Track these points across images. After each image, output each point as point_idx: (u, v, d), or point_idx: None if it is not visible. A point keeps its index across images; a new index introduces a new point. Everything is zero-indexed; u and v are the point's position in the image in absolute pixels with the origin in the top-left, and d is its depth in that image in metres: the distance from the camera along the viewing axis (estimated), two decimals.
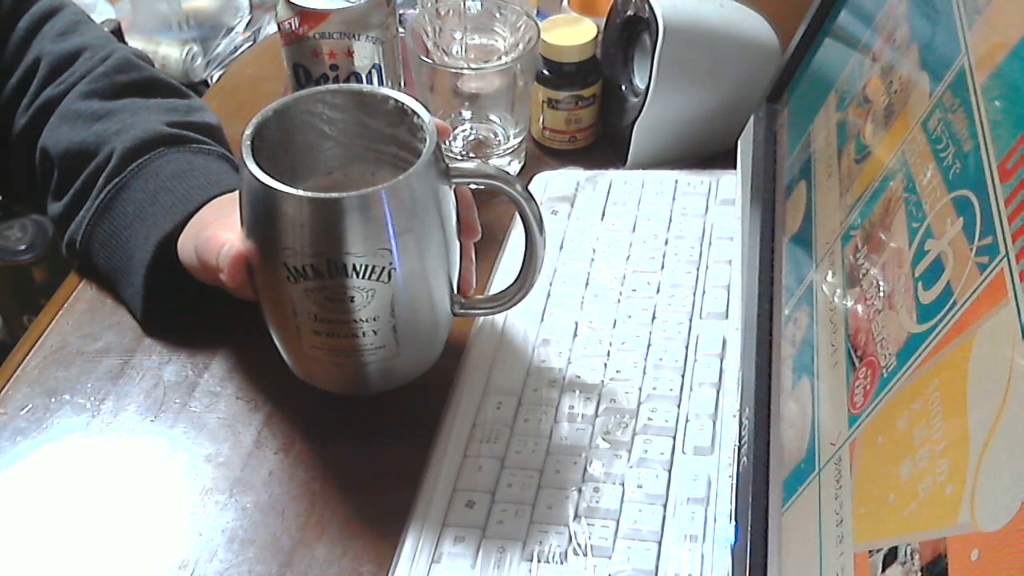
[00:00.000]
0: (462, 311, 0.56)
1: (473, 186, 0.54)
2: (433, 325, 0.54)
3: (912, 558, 0.30)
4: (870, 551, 0.33)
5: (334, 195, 0.47)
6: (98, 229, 0.62)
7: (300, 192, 0.47)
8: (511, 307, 0.57)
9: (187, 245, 0.57)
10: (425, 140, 0.50)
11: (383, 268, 0.49)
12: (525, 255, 0.54)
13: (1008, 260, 0.31)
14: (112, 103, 0.65)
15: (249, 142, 0.49)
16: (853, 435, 0.37)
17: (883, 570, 0.32)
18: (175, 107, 0.66)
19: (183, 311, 0.61)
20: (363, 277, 0.49)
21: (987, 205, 0.33)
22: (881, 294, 0.39)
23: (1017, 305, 0.29)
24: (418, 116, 0.51)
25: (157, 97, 0.66)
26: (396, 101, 0.52)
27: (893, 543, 0.32)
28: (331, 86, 0.55)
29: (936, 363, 0.33)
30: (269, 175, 0.48)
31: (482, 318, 0.61)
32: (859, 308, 0.41)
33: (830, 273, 0.45)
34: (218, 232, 0.53)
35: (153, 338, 0.62)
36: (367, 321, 0.51)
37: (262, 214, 0.49)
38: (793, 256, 0.53)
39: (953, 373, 0.32)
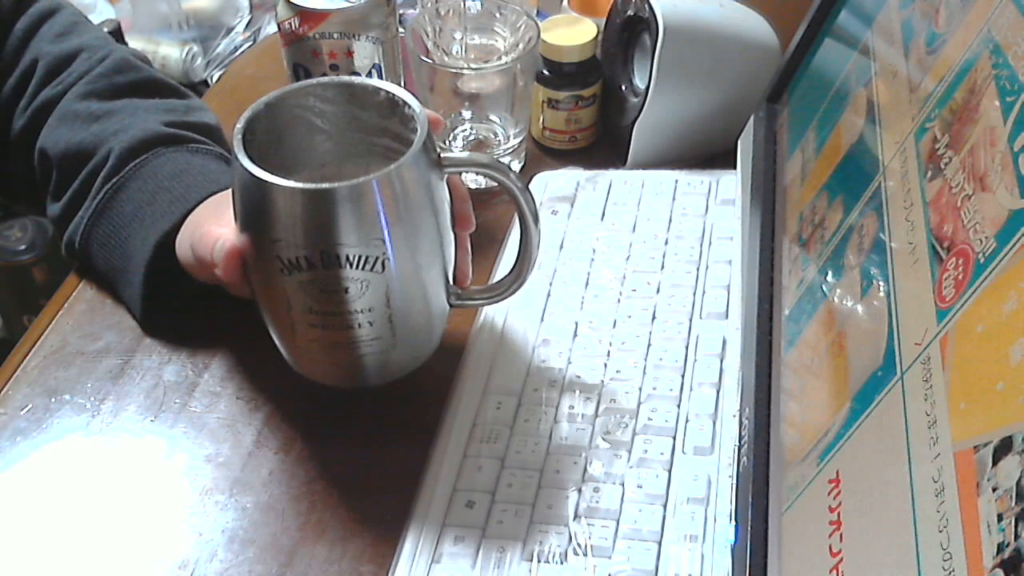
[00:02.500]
0: (458, 302, 0.56)
1: (471, 180, 0.54)
2: (429, 316, 0.54)
3: None
4: (975, 447, 0.31)
5: (325, 185, 0.47)
6: (97, 229, 0.62)
7: (291, 183, 0.47)
8: (506, 298, 0.57)
9: (184, 243, 0.57)
10: (417, 131, 0.49)
11: (377, 258, 0.49)
12: (520, 246, 0.54)
13: None
14: (110, 104, 0.65)
15: (240, 136, 0.49)
16: (944, 330, 0.36)
17: (994, 464, 0.30)
18: (173, 107, 0.66)
19: (183, 311, 0.61)
20: (357, 268, 0.49)
21: None
22: (970, 179, 0.38)
23: None
24: (409, 107, 0.51)
25: (155, 97, 0.66)
26: (386, 92, 0.52)
27: (1006, 433, 0.30)
28: (321, 79, 0.55)
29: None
30: (261, 168, 0.48)
31: (482, 317, 0.61)
32: (943, 199, 0.39)
33: (903, 172, 0.44)
34: (212, 228, 0.53)
35: (153, 338, 0.62)
36: (362, 312, 0.50)
37: (254, 207, 0.49)
38: (852, 168, 0.51)
39: None
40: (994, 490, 0.30)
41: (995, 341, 0.33)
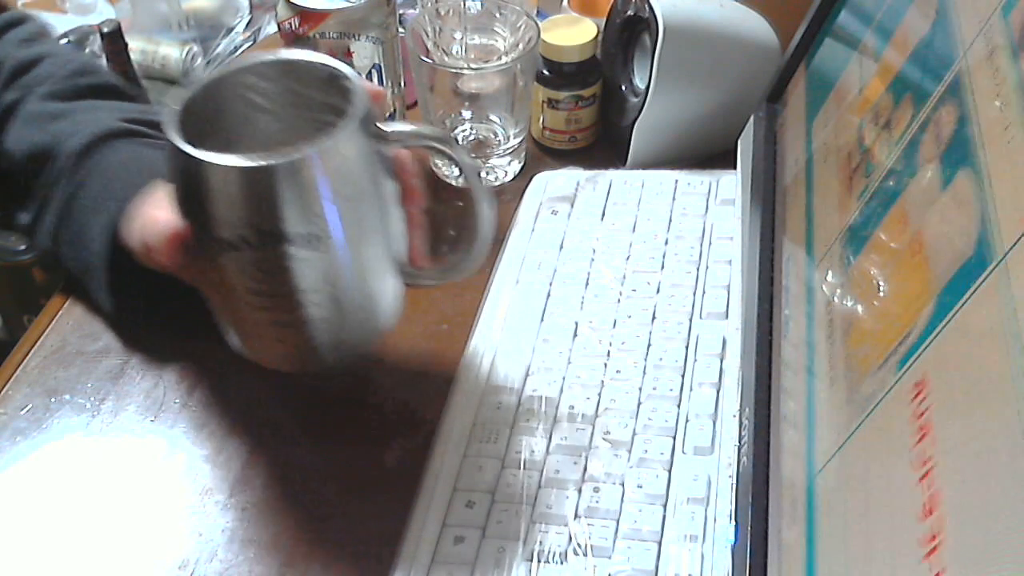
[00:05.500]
0: (410, 281, 0.54)
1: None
2: (378, 294, 0.52)
3: None
4: None
5: (258, 162, 0.45)
6: (62, 231, 0.60)
7: (223, 160, 0.45)
8: (460, 277, 0.55)
9: (133, 231, 0.54)
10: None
11: (317, 236, 0.47)
12: (471, 222, 0.53)
13: None
14: (70, 104, 0.64)
15: (176, 117, 0.47)
16: None
17: None
18: (133, 108, 0.65)
19: (157, 306, 0.59)
20: (297, 246, 0.47)
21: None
22: None
23: None
24: (347, 79, 0.49)
25: (117, 100, 0.65)
26: (325, 66, 0.50)
27: None
28: (261, 56, 0.53)
29: None
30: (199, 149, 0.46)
31: (482, 317, 0.61)
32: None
33: (989, 52, 0.40)
34: (155, 212, 0.51)
35: (153, 338, 0.62)
36: (307, 292, 0.49)
37: (190, 187, 0.47)
38: (923, 60, 0.47)
39: None
40: None
41: None
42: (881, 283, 0.44)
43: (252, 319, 0.51)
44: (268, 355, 0.54)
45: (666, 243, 0.64)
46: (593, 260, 0.64)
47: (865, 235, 0.47)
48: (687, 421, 0.53)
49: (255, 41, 1.45)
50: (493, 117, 0.72)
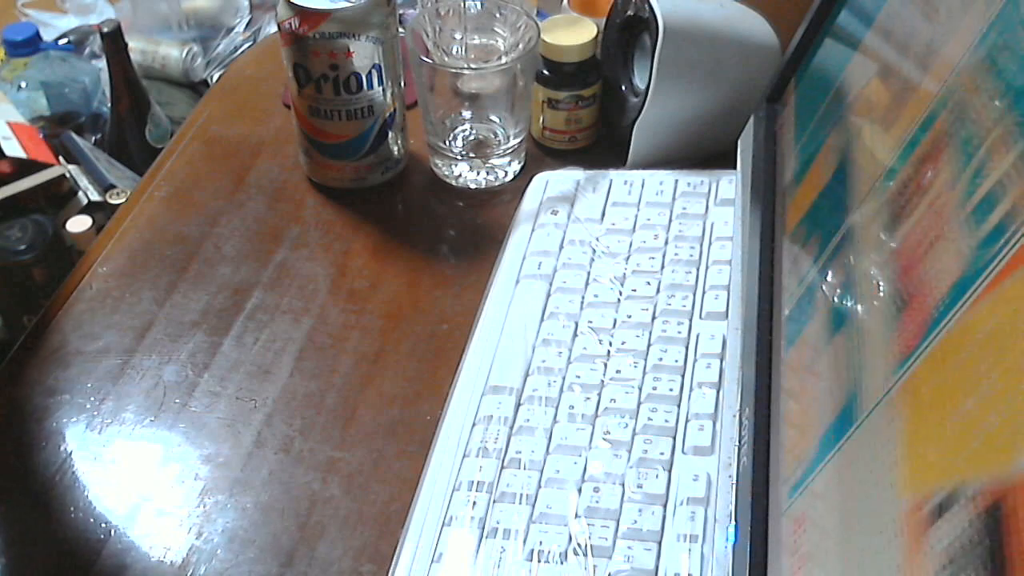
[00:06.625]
0: None
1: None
2: None
3: (972, 502, 0.29)
4: (923, 500, 0.32)
5: None
6: None
7: None
8: None
9: None
10: None
11: None
12: None
13: None
14: None
15: None
16: (901, 380, 0.36)
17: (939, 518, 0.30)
18: None
19: None
20: None
21: None
22: (930, 231, 0.37)
23: None
24: None
25: None
26: None
27: (954, 485, 0.30)
28: None
29: (994, 296, 0.31)
30: None
31: (482, 317, 0.61)
32: (907, 245, 0.39)
33: (873, 219, 0.43)
34: None
35: (153, 338, 0.62)
36: None
37: None
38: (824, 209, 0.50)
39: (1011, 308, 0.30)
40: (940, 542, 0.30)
41: (948, 394, 0.33)
42: (881, 283, 0.44)
43: None
44: None
45: (666, 243, 0.64)
46: (593, 260, 0.64)
47: (865, 236, 0.47)
48: (687, 421, 0.53)
49: (255, 41, 1.45)
50: (493, 117, 0.72)
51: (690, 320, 0.59)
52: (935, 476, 0.32)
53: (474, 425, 0.55)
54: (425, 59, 0.68)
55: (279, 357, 0.61)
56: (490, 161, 0.72)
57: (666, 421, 0.53)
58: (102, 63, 1.35)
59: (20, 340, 0.63)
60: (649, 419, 0.54)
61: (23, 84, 1.36)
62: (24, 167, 1.26)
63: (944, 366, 0.34)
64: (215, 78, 1.42)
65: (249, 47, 1.42)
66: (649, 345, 0.58)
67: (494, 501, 0.51)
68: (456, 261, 0.68)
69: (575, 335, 0.59)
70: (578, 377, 0.56)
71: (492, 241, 0.67)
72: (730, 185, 0.67)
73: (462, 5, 0.72)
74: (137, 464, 0.56)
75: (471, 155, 0.72)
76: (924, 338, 0.35)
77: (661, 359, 0.57)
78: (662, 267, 0.63)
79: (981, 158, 0.36)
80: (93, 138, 1.37)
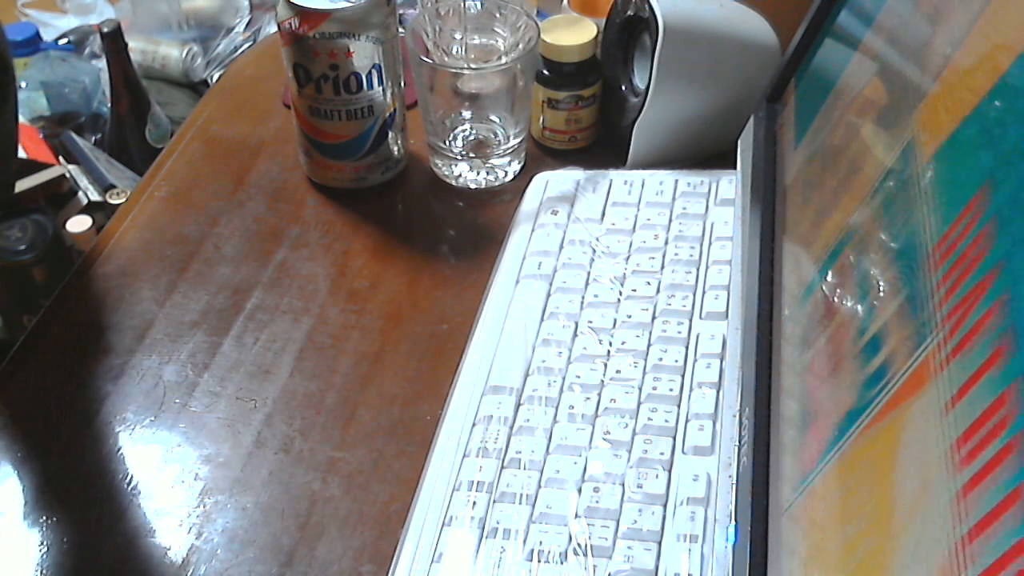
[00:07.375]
0: None
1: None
2: None
3: None
4: None
5: None
6: None
7: None
8: None
9: None
10: None
11: None
12: None
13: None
14: None
15: None
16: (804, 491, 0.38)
17: None
18: None
19: None
20: None
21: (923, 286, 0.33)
22: (831, 357, 0.39)
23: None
24: None
25: None
26: None
27: None
28: None
29: (872, 435, 0.34)
30: None
31: (483, 317, 0.61)
32: (815, 367, 0.41)
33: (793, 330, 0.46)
34: None
35: (153, 338, 0.62)
36: None
37: None
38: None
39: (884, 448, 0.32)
40: None
41: (834, 516, 0.35)
42: (881, 283, 0.44)
43: None
44: None
45: (666, 243, 0.64)
46: (593, 260, 0.64)
47: (866, 237, 0.47)
48: (687, 421, 0.53)
49: (255, 41, 1.45)
50: (493, 117, 0.72)
51: (690, 320, 0.59)
52: None
53: (474, 425, 0.55)
54: (425, 59, 0.68)
55: (279, 357, 0.61)
56: (490, 161, 0.72)
57: (666, 421, 0.53)
58: (102, 63, 1.35)
59: (20, 340, 0.63)
60: (649, 419, 0.54)
61: (23, 84, 1.36)
62: (24, 167, 1.26)
63: (832, 489, 0.36)
64: (215, 78, 1.42)
65: (249, 47, 1.42)
66: (649, 345, 0.58)
67: (494, 501, 0.51)
68: (456, 261, 0.68)
69: (575, 335, 0.59)
70: (578, 377, 0.56)
71: (492, 241, 0.67)
72: (730, 185, 0.67)
73: (462, 5, 0.72)
74: (137, 464, 0.56)
75: (471, 155, 0.72)
76: (821, 459, 0.37)
77: (661, 359, 0.57)
78: (662, 267, 0.63)
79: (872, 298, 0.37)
80: (93, 138, 1.38)
